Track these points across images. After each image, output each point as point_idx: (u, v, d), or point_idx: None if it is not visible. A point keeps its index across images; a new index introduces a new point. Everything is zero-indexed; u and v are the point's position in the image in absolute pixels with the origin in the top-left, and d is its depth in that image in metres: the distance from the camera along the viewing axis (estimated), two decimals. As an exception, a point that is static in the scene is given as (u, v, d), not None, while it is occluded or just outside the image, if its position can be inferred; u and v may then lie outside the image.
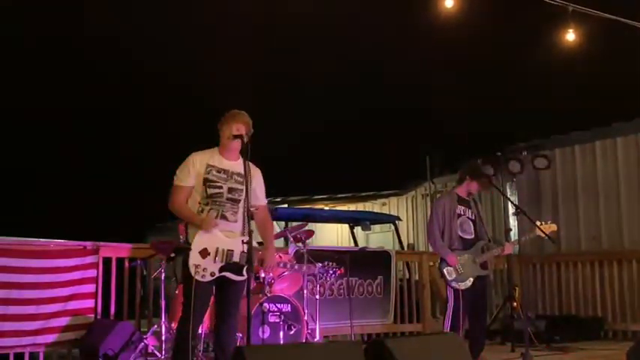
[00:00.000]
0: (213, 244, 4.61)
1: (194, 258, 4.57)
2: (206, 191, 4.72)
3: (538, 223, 6.29)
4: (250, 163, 4.81)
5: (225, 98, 5.32)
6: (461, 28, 6.82)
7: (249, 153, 4.70)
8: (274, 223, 10.14)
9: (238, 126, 4.78)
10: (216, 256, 4.61)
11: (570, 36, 7.10)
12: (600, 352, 7.79)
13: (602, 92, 8.29)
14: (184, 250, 4.61)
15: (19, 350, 6.22)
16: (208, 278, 4.59)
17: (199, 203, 4.71)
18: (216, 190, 4.73)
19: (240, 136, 4.72)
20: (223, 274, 4.66)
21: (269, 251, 4.97)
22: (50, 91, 8.74)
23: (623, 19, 6.93)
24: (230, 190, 4.76)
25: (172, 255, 4.65)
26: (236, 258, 4.67)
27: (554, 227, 6.33)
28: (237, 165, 4.85)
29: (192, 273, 4.55)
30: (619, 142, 9.81)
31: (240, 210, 4.77)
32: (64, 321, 6.46)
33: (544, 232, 6.21)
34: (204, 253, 4.58)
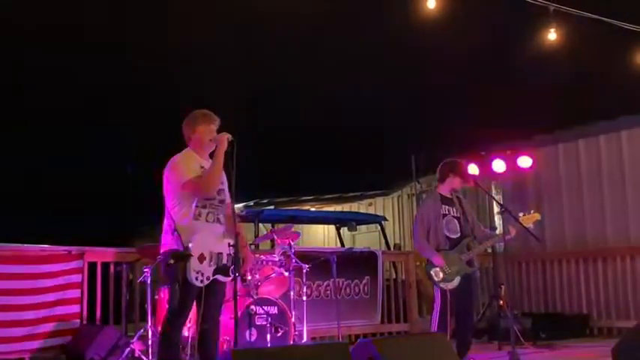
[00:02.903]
0: (207, 248, 4.57)
1: (195, 264, 4.48)
2: None
3: (521, 214, 6.31)
4: None
5: (211, 100, 5.27)
6: (443, 29, 6.86)
7: (235, 153, 4.52)
8: (260, 225, 10.20)
9: (214, 127, 4.73)
10: (210, 260, 4.58)
11: (552, 35, 7.18)
12: (586, 349, 7.85)
13: (585, 92, 8.36)
14: (185, 256, 4.47)
15: (3, 357, 6.16)
16: (204, 282, 4.55)
17: (196, 207, 4.60)
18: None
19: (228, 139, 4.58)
20: (215, 276, 4.64)
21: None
22: (38, 94, 8.64)
23: (605, 19, 6.99)
24: (218, 191, 4.74)
25: (171, 262, 4.54)
26: (224, 260, 4.66)
27: (537, 216, 6.32)
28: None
29: (193, 279, 4.46)
30: (602, 140, 9.88)
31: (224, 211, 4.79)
32: (49, 327, 6.42)
33: (526, 227, 6.23)
34: (201, 258, 4.53)
